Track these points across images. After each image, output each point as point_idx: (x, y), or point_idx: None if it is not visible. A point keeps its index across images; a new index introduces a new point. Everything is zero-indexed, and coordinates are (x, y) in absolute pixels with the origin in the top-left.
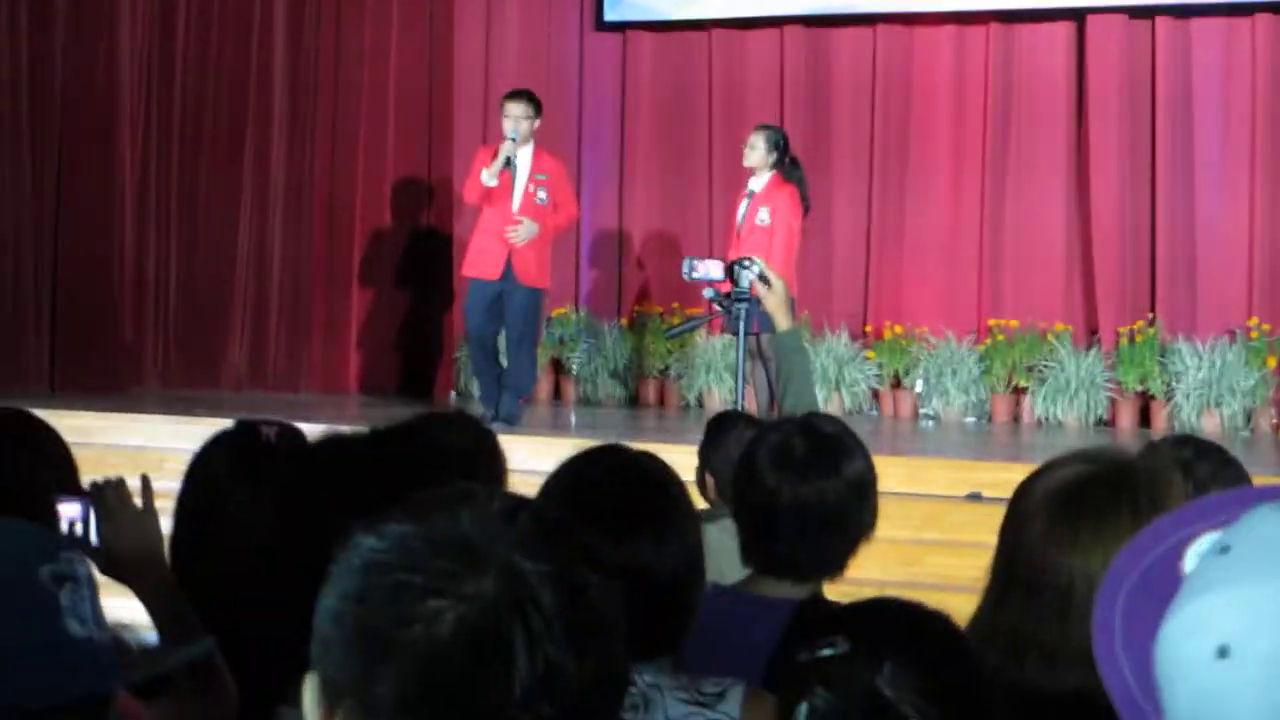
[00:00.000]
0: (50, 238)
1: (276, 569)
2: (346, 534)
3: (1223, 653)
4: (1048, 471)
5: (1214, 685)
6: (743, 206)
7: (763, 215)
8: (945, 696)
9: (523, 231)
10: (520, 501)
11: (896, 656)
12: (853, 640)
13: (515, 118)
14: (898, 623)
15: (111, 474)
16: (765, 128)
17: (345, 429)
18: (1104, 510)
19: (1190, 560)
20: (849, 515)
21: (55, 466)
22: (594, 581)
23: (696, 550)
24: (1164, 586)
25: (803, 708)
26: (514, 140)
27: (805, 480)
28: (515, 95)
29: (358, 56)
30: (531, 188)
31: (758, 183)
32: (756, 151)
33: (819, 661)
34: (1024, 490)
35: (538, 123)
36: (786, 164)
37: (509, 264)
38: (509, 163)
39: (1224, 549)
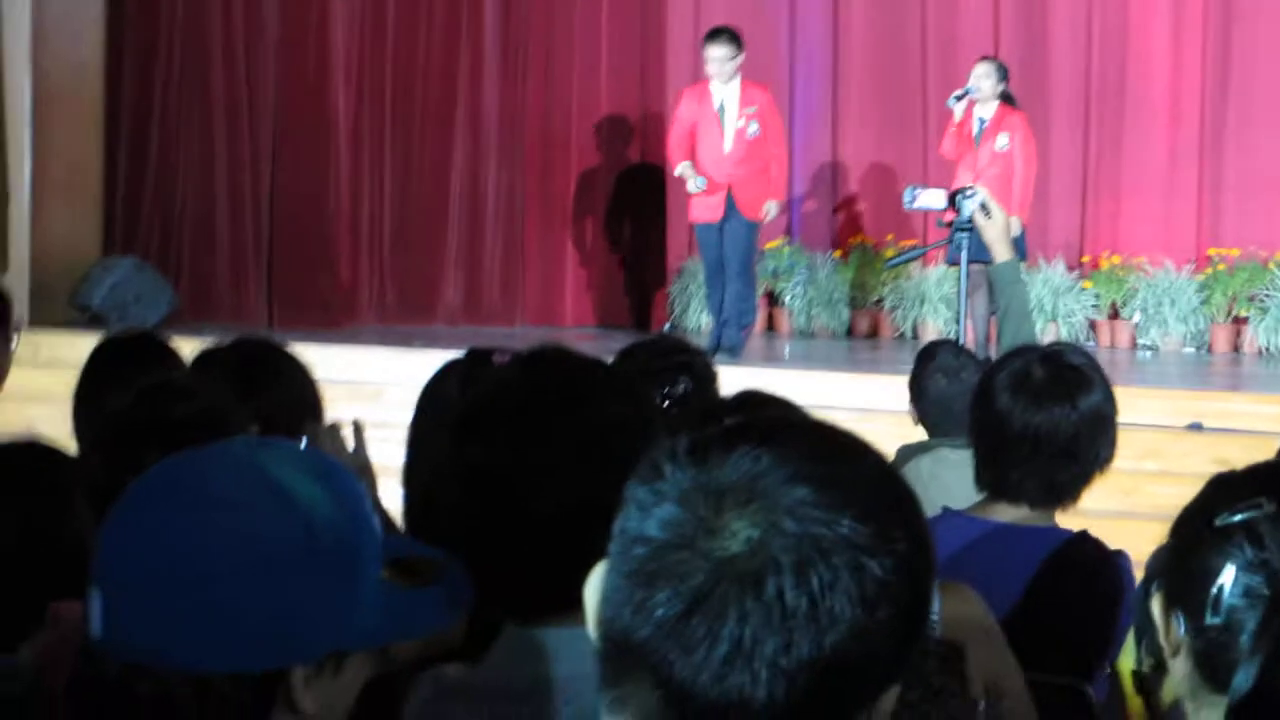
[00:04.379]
0: (268, 177)
1: (482, 503)
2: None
3: None
4: None
5: None
6: (975, 133)
7: (1001, 141)
8: None
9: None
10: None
11: None
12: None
13: (718, 60)
14: None
15: (333, 409)
16: (991, 60)
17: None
18: None
19: None
20: (1081, 447)
21: (307, 402)
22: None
23: None
24: None
25: (1229, 570)
26: (699, 185)
27: (1040, 408)
28: (714, 36)
29: None
30: (741, 122)
31: (986, 111)
32: (990, 80)
33: (1246, 523)
34: None
35: (741, 58)
36: (1007, 95)
37: (729, 200)
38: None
39: None
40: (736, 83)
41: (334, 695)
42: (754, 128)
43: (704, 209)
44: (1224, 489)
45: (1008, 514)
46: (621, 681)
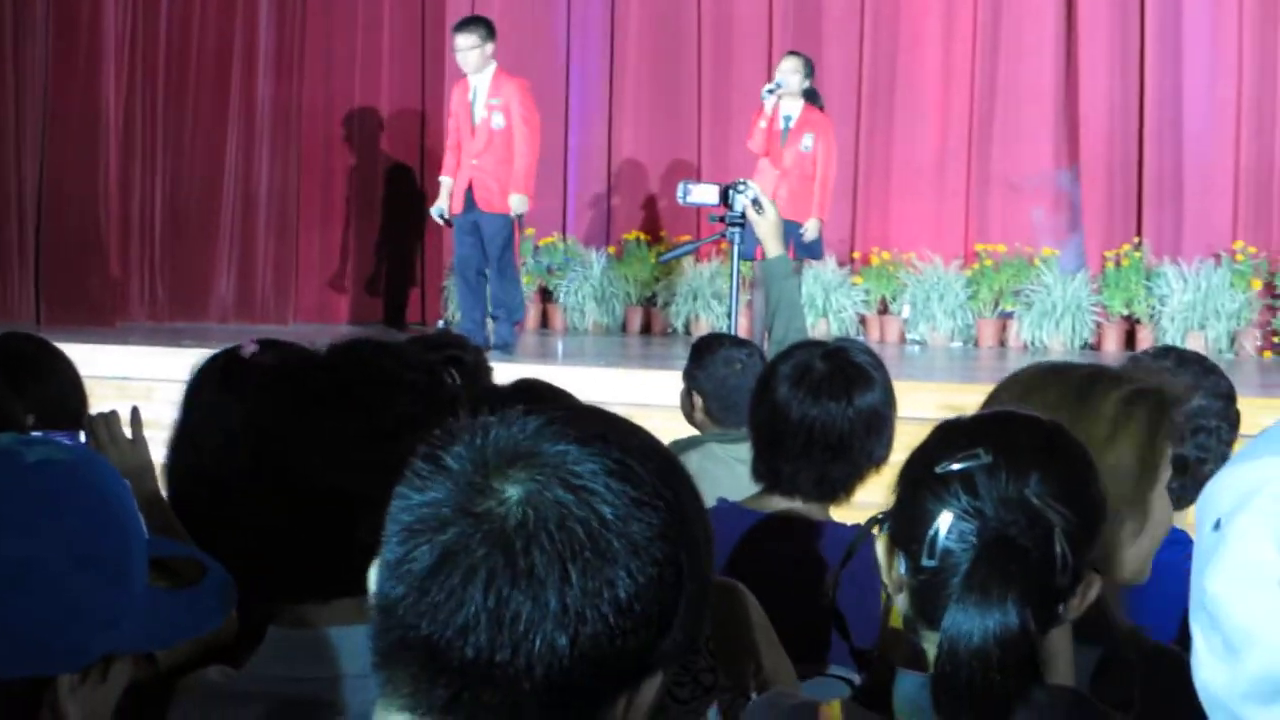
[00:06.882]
0: (35, 171)
1: (255, 489)
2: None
3: (1216, 525)
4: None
5: (1204, 556)
6: (782, 130)
7: (806, 142)
8: (1083, 505)
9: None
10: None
11: (1042, 467)
12: (995, 451)
13: (463, 49)
14: (1038, 434)
15: (103, 407)
16: (797, 54)
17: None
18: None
19: None
20: (855, 444)
21: (73, 400)
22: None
23: None
24: None
25: (945, 516)
26: (442, 216)
27: (817, 402)
28: (461, 26)
29: None
30: (485, 113)
31: (792, 108)
32: (797, 76)
33: (964, 472)
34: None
35: (491, 46)
36: (811, 93)
37: (469, 194)
38: (443, 218)
39: (1266, 430)
40: (489, 73)
41: (98, 701)
42: (498, 120)
43: (451, 198)
44: (948, 436)
45: (781, 506)
46: (387, 660)
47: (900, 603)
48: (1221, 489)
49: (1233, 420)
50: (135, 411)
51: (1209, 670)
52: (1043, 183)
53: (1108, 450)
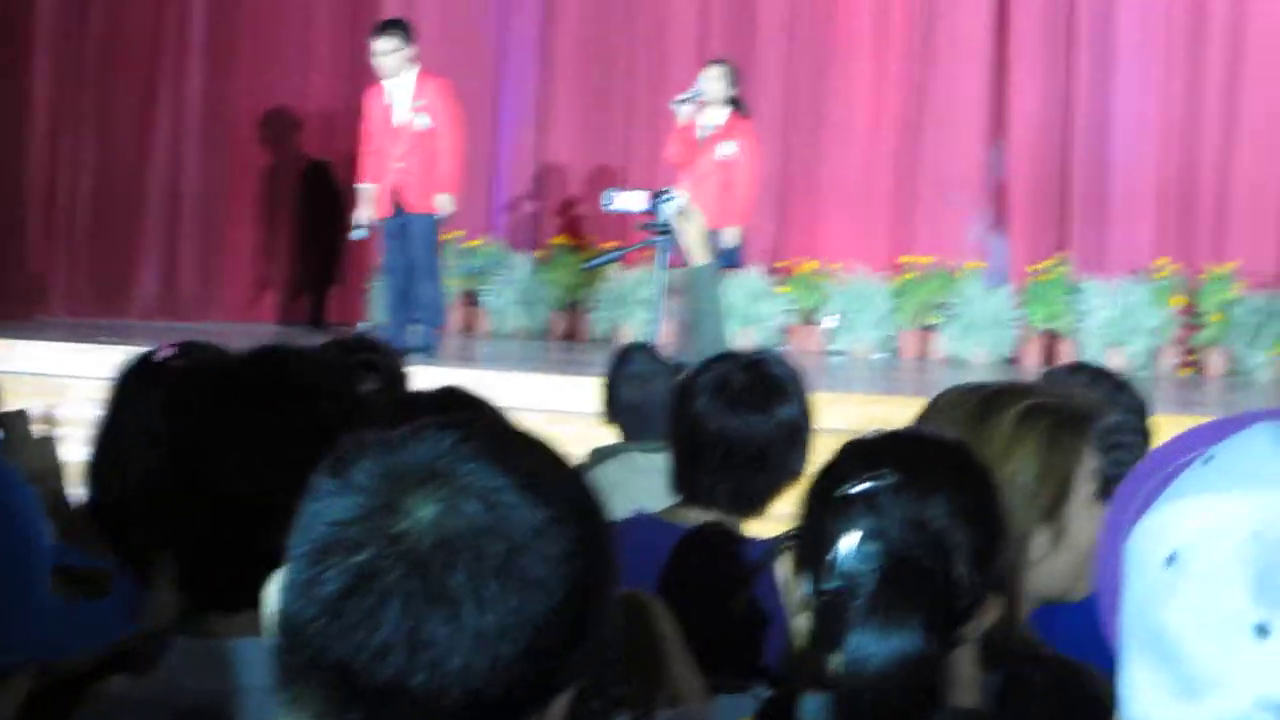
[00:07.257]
0: None
1: (173, 493)
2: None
3: (1170, 560)
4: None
5: (1156, 591)
6: (702, 139)
7: (724, 149)
8: (986, 525)
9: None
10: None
11: (947, 487)
12: (900, 471)
13: (381, 54)
14: (944, 455)
15: (18, 404)
16: (722, 62)
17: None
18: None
19: None
20: (773, 456)
21: None
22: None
23: None
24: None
25: (850, 536)
26: (364, 226)
27: (735, 413)
28: (379, 30)
29: None
30: (409, 116)
31: (716, 117)
32: (720, 84)
33: (868, 492)
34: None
35: (411, 50)
36: (736, 101)
37: (395, 198)
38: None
39: (1208, 459)
40: (411, 76)
41: None
42: (422, 120)
43: (379, 204)
44: (854, 455)
45: (698, 518)
46: (295, 679)
47: (804, 622)
48: (1174, 520)
49: (1146, 434)
50: (48, 411)
51: (1152, 706)
52: (968, 184)
53: (1003, 465)
